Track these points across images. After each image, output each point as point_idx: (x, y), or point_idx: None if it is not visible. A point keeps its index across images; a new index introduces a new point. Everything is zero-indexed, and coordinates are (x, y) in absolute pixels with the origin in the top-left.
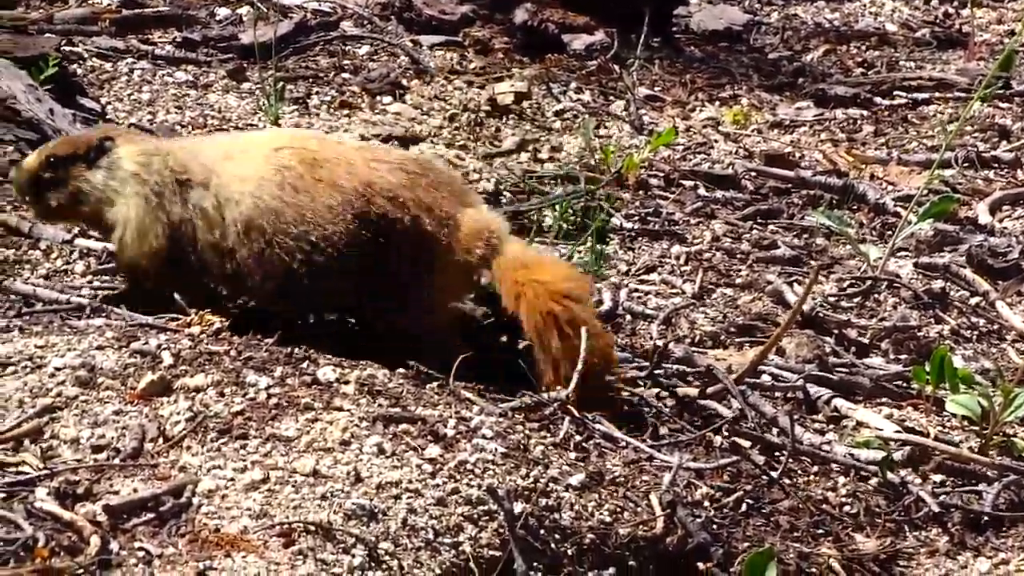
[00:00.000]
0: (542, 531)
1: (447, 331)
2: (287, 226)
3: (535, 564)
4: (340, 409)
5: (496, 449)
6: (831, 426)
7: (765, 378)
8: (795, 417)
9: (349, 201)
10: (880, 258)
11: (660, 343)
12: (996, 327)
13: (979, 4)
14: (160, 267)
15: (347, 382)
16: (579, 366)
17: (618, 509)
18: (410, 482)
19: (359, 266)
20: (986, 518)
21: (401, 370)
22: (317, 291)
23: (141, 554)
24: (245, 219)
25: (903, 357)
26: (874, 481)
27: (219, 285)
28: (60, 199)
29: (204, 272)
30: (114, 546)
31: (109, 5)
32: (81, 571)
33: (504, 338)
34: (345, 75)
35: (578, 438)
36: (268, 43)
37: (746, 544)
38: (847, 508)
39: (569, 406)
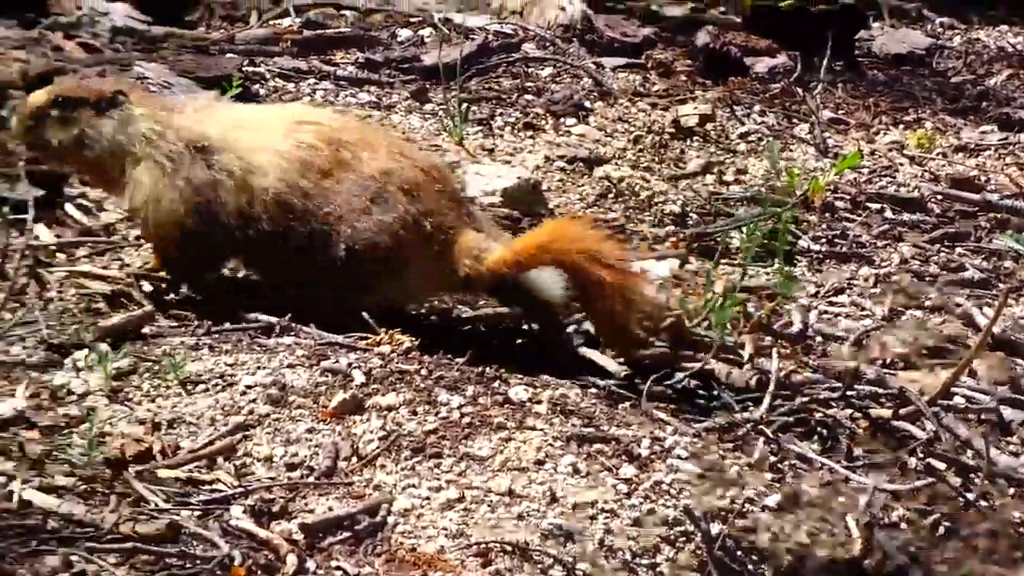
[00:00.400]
0: (739, 552)
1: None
2: (314, 206)
3: None
4: (533, 428)
5: (691, 469)
6: None
7: (958, 400)
8: (990, 439)
9: (366, 185)
10: None
11: (852, 364)
12: None
13: None
14: (183, 235)
15: (539, 401)
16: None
17: (815, 530)
18: (606, 502)
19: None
20: None
21: (593, 390)
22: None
23: (338, 573)
24: (274, 191)
25: None
26: None
27: (239, 251)
28: (63, 140)
29: (228, 239)
30: (310, 565)
31: (291, 26)
32: None
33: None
34: (528, 97)
35: (773, 459)
36: (451, 64)
37: (944, 567)
38: None
39: (762, 426)
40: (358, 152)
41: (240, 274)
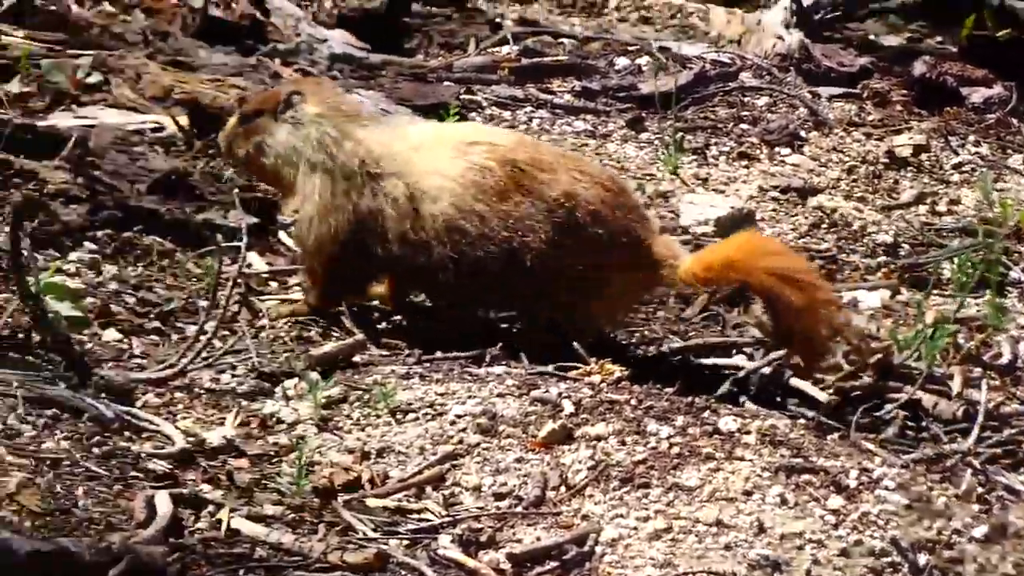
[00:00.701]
0: None
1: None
2: (490, 230)
3: None
4: (742, 459)
5: (899, 501)
6: None
7: None
8: None
9: (552, 210)
10: None
11: None
12: None
13: None
14: (340, 253)
15: (748, 432)
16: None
17: (1022, 562)
18: (813, 532)
19: (548, 271)
20: None
21: (802, 420)
22: (504, 291)
23: None
24: (445, 218)
25: None
26: None
27: (406, 277)
28: (247, 150)
29: (386, 263)
30: None
31: (508, 54)
32: None
33: None
34: (744, 126)
35: (980, 490)
36: (668, 93)
37: None
38: None
39: (970, 458)
40: (535, 173)
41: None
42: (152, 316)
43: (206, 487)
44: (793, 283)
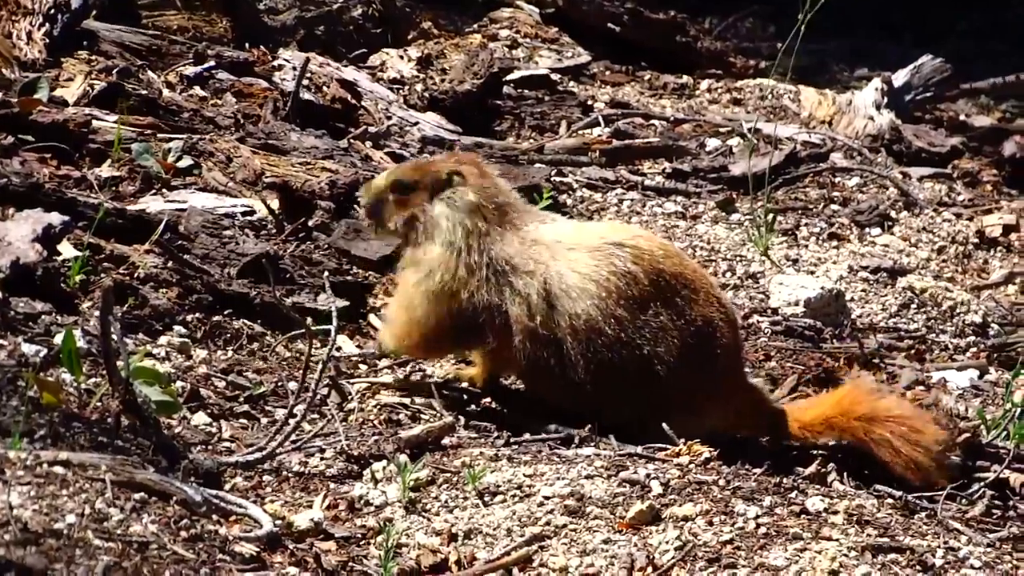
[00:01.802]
0: None
1: None
2: (627, 336)
3: None
4: (829, 539)
5: None
6: None
7: None
8: None
9: (691, 330)
10: None
11: None
12: None
13: None
14: (436, 332)
15: (835, 512)
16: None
17: None
18: None
19: (670, 383)
20: None
21: (889, 500)
22: (626, 397)
23: None
24: (587, 318)
25: None
26: None
27: (516, 370)
28: (398, 222)
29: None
30: None
31: (599, 136)
32: None
33: None
34: (834, 206)
35: None
36: (758, 174)
37: None
38: None
39: None
40: (679, 288)
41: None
42: (242, 400)
43: (293, 570)
44: (885, 422)
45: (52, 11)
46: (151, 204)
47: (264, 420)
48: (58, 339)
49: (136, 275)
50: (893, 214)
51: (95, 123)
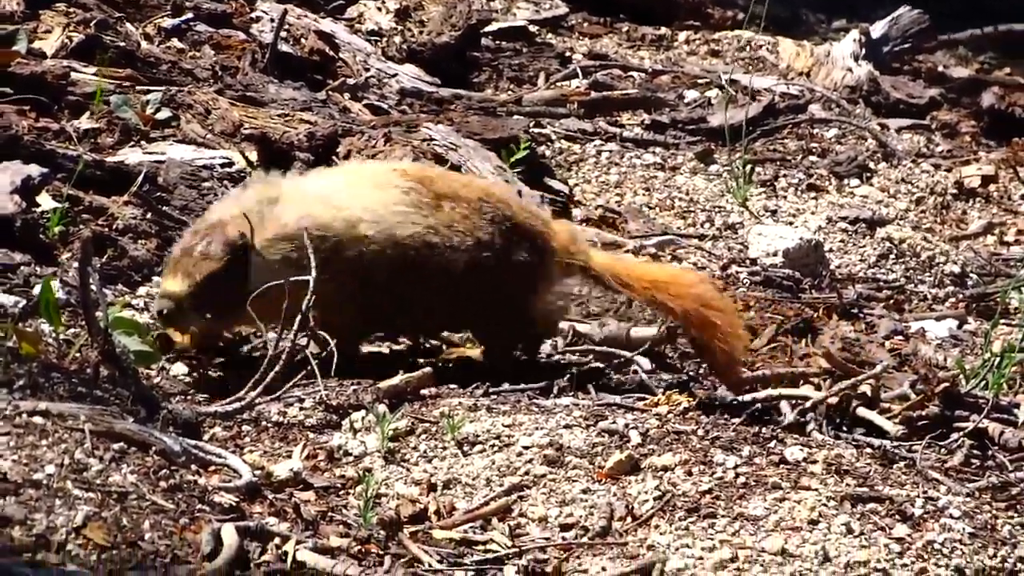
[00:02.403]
0: None
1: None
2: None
3: None
4: (808, 488)
5: (964, 529)
6: None
7: None
8: None
9: (477, 209)
10: None
11: None
12: None
13: None
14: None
15: (814, 461)
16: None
17: None
18: (878, 561)
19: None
20: None
21: (868, 450)
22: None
23: None
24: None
25: None
26: None
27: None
28: None
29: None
30: None
31: (578, 87)
32: None
33: None
34: (813, 158)
35: None
36: (737, 125)
37: None
38: None
39: None
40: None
41: None
42: (220, 348)
43: (273, 520)
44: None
45: None
46: (130, 156)
47: (242, 370)
48: (37, 290)
49: (115, 226)
50: (872, 165)
51: (73, 75)
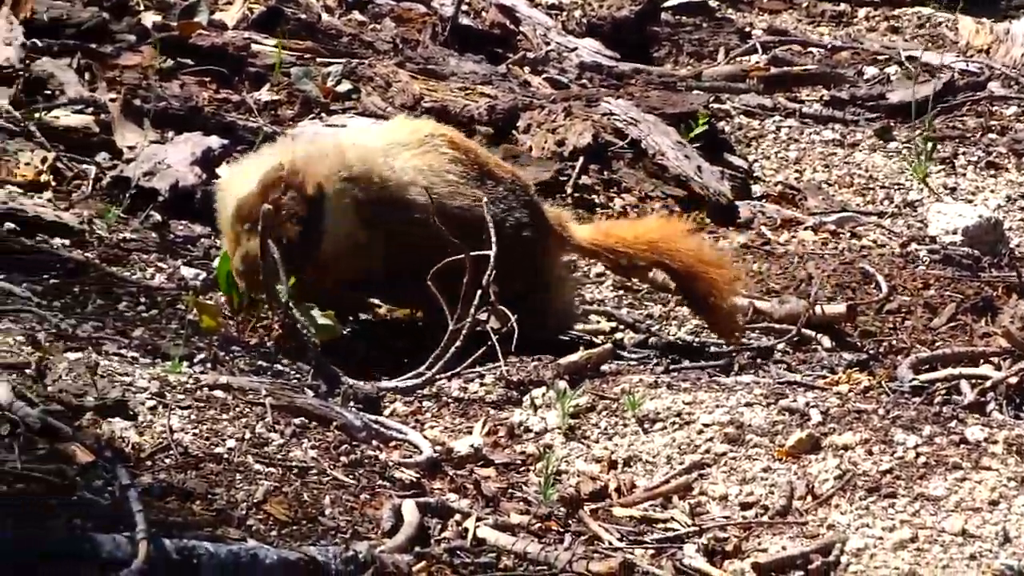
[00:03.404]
0: None
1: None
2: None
3: None
4: (988, 468)
5: None
6: None
7: None
8: None
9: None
10: None
11: None
12: None
13: None
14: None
15: (995, 442)
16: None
17: None
18: None
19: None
20: None
21: None
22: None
23: None
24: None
25: None
26: None
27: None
28: None
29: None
30: None
31: (757, 63)
32: None
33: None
34: (992, 135)
35: None
36: (918, 102)
37: None
38: None
39: None
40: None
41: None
42: (403, 325)
43: (453, 496)
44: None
45: None
46: (310, 128)
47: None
48: (217, 262)
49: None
50: None
51: (254, 47)
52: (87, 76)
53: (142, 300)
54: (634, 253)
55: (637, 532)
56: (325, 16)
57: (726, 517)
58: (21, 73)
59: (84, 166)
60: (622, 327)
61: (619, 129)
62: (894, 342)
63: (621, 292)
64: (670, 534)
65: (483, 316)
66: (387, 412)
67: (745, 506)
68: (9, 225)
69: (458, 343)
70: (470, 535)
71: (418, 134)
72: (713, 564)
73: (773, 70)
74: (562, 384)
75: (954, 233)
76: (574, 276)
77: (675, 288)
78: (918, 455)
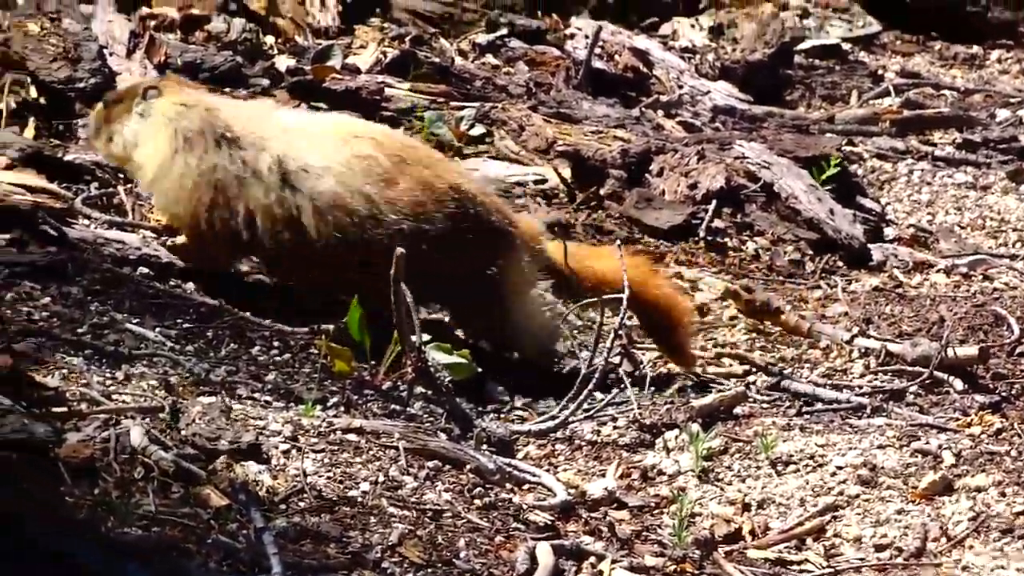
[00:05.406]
0: None
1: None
2: (377, 213)
3: None
4: None
5: None
6: None
7: None
8: None
9: (440, 200)
10: None
11: None
12: None
13: None
14: (197, 219)
15: None
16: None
17: None
18: None
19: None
20: None
21: None
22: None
23: None
24: (329, 197)
25: None
26: None
27: (267, 251)
28: (106, 138)
29: (249, 234)
30: None
31: (890, 106)
32: None
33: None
34: None
35: None
36: None
37: None
38: None
39: None
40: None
41: None
42: (534, 368)
43: (587, 539)
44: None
45: None
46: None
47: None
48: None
49: None
50: None
51: (388, 90)
52: None
53: (275, 344)
54: (599, 280)
55: (772, 574)
56: (458, 60)
57: (860, 559)
58: None
59: None
60: (754, 370)
61: (752, 172)
62: None
63: (753, 335)
64: None
65: (616, 359)
66: (520, 455)
67: (879, 548)
68: (143, 270)
69: (591, 386)
70: None
71: (345, 129)
72: None
73: (905, 113)
74: (695, 427)
75: None
76: (549, 298)
77: (639, 320)
78: None
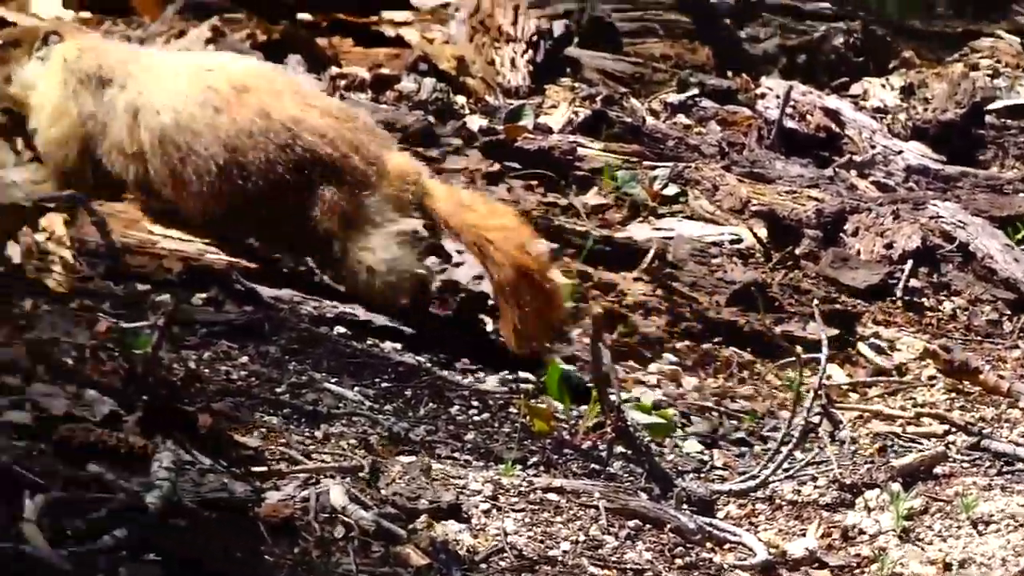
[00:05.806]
0: None
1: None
2: (204, 146)
3: None
4: None
5: None
6: None
7: None
8: None
9: (275, 131)
10: None
11: None
12: None
13: None
14: (73, 158)
15: None
16: None
17: None
18: None
19: (281, 201)
20: None
21: None
22: (235, 218)
23: None
24: (161, 130)
25: None
26: None
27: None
28: (2, 78)
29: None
30: None
31: None
32: None
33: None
34: None
35: None
36: None
37: None
38: None
39: None
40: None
41: None
42: (735, 428)
43: None
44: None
45: (535, 38)
46: (638, 232)
47: (756, 448)
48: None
49: (624, 302)
50: None
51: (580, 150)
52: None
53: (474, 403)
54: (468, 241)
55: None
56: (650, 119)
57: None
58: None
59: None
60: (954, 429)
61: (947, 232)
62: None
63: (952, 395)
64: None
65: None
66: (721, 514)
67: None
68: (340, 329)
69: (791, 446)
70: None
71: (204, 63)
72: None
73: None
74: (896, 486)
75: None
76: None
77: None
78: None
